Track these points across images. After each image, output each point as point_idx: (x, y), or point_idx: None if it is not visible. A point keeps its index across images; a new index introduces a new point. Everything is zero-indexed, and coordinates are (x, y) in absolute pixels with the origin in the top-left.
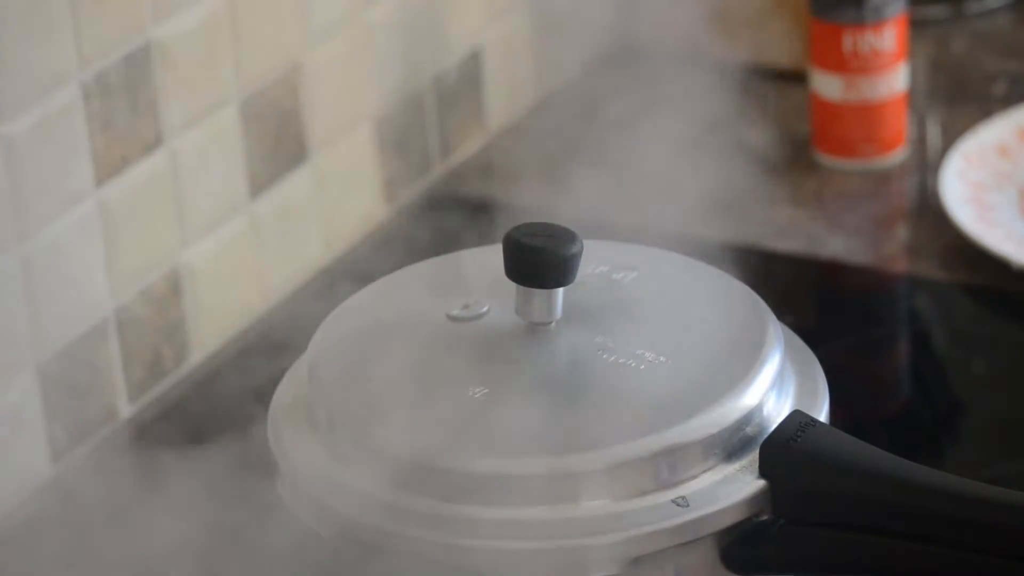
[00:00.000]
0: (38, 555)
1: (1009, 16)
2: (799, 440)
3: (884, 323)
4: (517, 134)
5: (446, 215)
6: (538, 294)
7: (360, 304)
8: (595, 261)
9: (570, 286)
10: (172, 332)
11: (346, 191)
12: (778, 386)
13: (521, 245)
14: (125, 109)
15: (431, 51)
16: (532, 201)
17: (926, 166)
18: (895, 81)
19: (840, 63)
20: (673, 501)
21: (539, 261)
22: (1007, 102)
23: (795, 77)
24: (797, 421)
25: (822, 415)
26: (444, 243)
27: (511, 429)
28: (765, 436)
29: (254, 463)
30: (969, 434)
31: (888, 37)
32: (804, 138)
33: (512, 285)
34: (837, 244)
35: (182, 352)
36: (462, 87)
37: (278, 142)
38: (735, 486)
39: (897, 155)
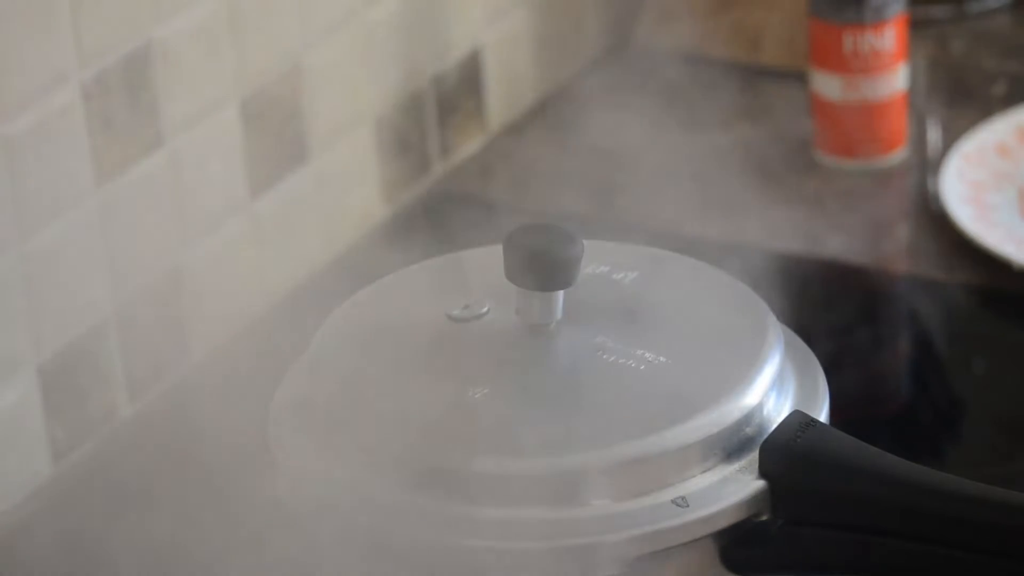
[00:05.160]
0: (38, 555)
1: (1009, 16)
2: (799, 440)
3: (884, 323)
4: (517, 134)
5: (446, 215)
6: (539, 296)
7: (360, 304)
8: (595, 261)
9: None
10: (172, 332)
11: (346, 191)
12: (778, 386)
13: (522, 248)
14: (125, 109)
15: (431, 51)
16: (532, 201)
17: (926, 166)
18: (895, 81)
19: (840, 63)
20: (673, 501)
21: (540, 263)
22: (1007, 102)
23: (795, 77)
24: (797, 421)
25: (822, 415)
26: (444, 243)
27: (511, 429)
28: (765, 436)
29: (254, 463)
30: (969, 434)
31: (888, 37)
32: (804, 138)
33: (512, 285)
34: (837, 244)
35: (182, 352)
36: (462, 87)
37: (278, 142)
38: (735, 486)
39: (897, 155)
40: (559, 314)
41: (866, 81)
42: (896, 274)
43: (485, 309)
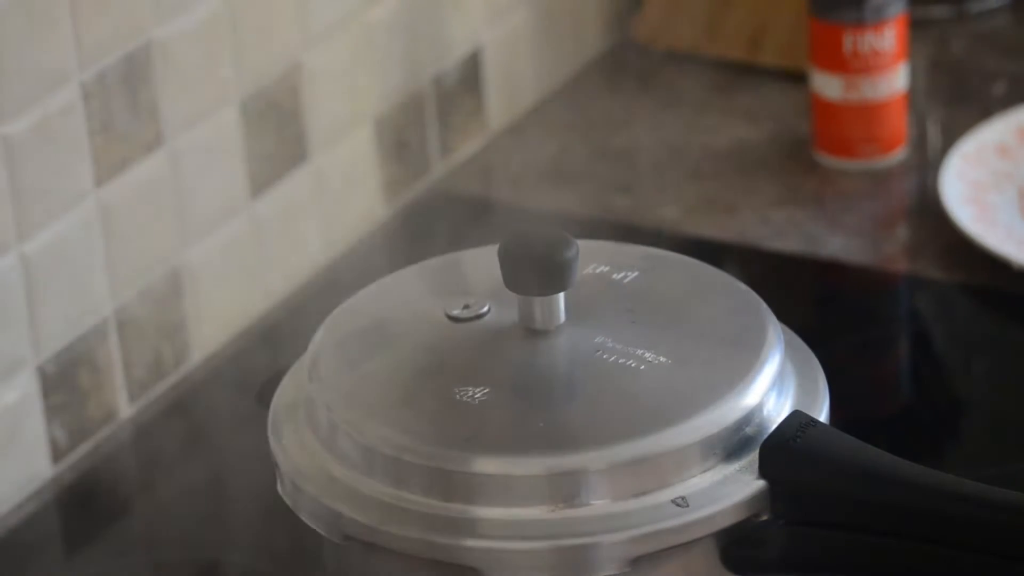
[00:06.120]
0: (38, 555)
1: (1009, 16)
2: (799, 440)
3: (884, 323)
4: (517, 134)
5: (446, 215)
6: (539, 301)
7: (360, 304)
8: (595, 261)
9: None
10: (172, 332)
11: (346, 191)
12: (778, 386)
13: (517, 255)
14: (125, 109)
15: (431, 51)
16: (532, 201)
17: (926, 166)
18: (895, 81)
19: (840, 63)
20: (673, 501)
21: (536, 269)
22: (1007, 102)
23: (795, 77)
24: (797, 421)
25: (822, 415)
26: (444, 243)
27: (511, 429)
28: (765, 436)
29: (254, 463)
30: (969, 434)
31: (888, 37)
32: (804, 138)
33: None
34: (837, 244)
35: (182, 352)
36: (462, 87)
37: (278, 142)
38: (735, 486)
39: (897, 155)
40: (562, 317)
41: (866, 81)
42: (896, 274)
43: (485, 309)
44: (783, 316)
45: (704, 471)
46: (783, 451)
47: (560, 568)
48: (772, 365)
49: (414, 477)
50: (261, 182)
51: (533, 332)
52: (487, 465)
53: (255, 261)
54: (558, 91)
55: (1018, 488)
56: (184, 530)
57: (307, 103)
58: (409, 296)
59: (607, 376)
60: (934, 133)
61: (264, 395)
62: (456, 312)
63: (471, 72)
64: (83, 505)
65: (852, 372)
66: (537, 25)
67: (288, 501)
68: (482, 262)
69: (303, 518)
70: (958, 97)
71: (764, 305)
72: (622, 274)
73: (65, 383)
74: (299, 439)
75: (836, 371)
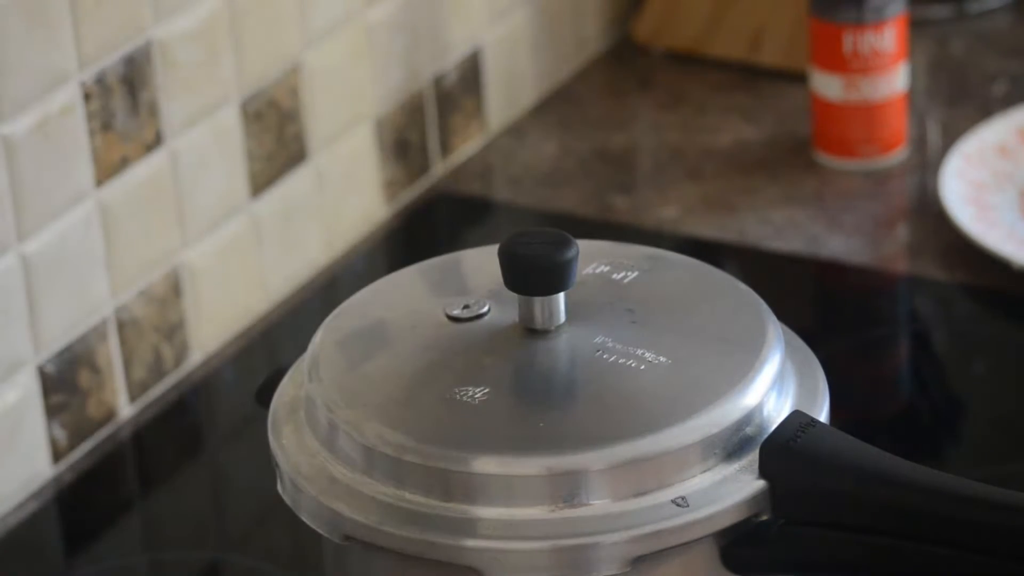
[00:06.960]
0: (38, 555)
1: (1009, 16)
2: (799, 440)
3: (884, 323)
4: (517, 134)
5: (446, 215)
6: (539, 301)
7: (360, 304)
8: (595, 261)
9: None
10: (172, 332)
11: (346, 191)
12: (778, 386)
13: (517, 255)
14: (125, 109)
15: (431, 51)
16: (532, 201)
17: (926, 166)
18: (895, 81)
19: (840, 63)
20: (673, 501)
21: (536, 269)
22: (1007, 102)
23: (795, 77)
24: (797, 421)
25: (822, 415)
26: (444, 243)
27: (511, 429)
28: (765, 436)
29: (254, 463)
30: (969, 434)
31: (888, 37)
32: (804, 138)
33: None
34: (837, 244)
35: (182, 352)
36: (462, 87)
37: (278, 142)
38: (735, 486)
39: (897, 155)
40: (562, 317)
41: (866, 81)
42: (896, 274)
43: (485, 309)
44: (783, 316)
45: (704, 471)
46: (783, 451)
47: (560, 568)
48: (772, 365)
49: (414, 477)
50: (261, 182)
51: (533, 332)
52: (487, 465)
53: (255, 261)
54: (558, 91)
55: (1018, 488)
56: (184, 530)
57: (307, 103)
58: (409, 296)
59: (607, 376)
60: (934, 133)
61: (264, 395)
62: (456, 312)
63: (471, 72)
64: (83, 505)
65: (852, 372)
66: (537, 25)
67: (288, 501)
68: (482, 262)
69: (303, 518)
70: (958, 97)
71: (764, 305)
72: (622, 274)
73: (65, 383)
74: (299, 439)
75: (836, 371)
